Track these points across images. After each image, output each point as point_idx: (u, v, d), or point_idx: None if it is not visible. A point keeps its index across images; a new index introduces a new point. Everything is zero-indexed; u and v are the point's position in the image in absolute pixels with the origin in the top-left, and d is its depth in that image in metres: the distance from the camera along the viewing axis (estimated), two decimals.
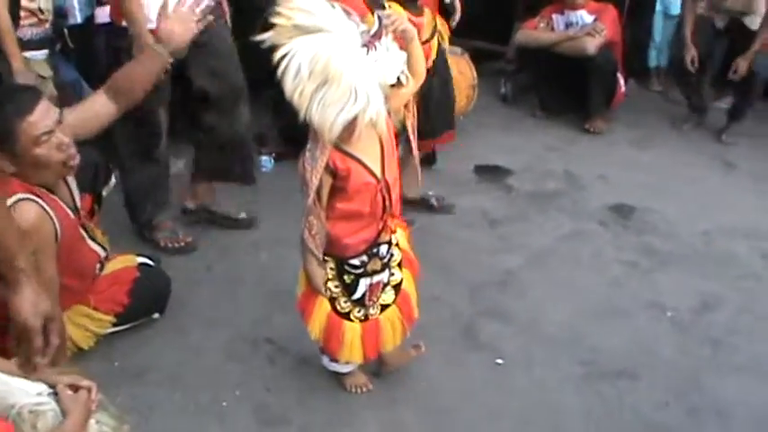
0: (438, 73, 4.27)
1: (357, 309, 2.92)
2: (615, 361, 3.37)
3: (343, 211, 2.72)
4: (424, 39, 3.91)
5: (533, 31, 5.98)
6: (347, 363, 3.04)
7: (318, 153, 2.60)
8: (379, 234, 2.82)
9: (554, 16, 5.98)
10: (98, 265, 3.24)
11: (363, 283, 2.88)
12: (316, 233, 2.70)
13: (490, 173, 5.09)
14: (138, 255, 3.48)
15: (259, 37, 2.43)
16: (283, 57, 2.41)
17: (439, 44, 4.31)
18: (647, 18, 6.66)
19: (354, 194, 2.70)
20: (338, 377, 3.13)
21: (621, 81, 5.98)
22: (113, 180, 3.55)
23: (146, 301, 3.38)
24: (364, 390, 3.12)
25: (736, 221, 4.61)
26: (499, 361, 3.37)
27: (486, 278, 3.94)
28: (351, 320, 2.91)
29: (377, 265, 2.87)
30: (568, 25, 5.90)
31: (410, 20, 3.53)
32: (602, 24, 5.73)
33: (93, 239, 3.18)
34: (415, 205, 4.41)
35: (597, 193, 4.88)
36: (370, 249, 2.83)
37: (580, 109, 5.91)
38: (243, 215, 4.29)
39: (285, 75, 2.41)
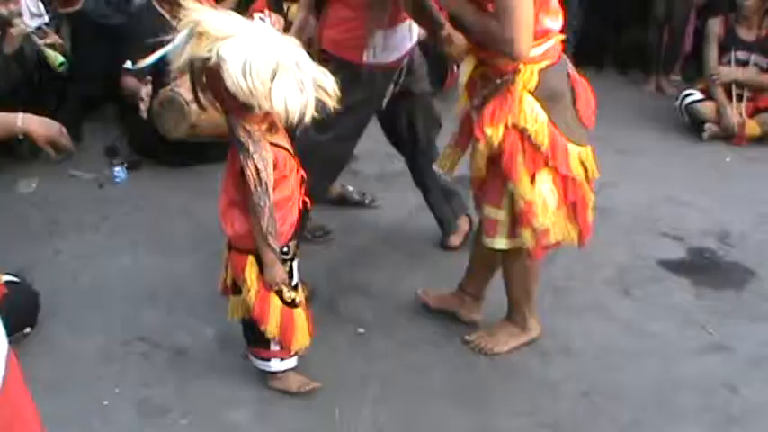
0: None
1: (296, 295, 3.00)
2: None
3: (277, 201, 2.77)
4: None
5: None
6: (295, 354, 3.09)
7: (263, 151, 2.67)
8: (300, 215, 2.92)
9: None
10: None
11: (295, 268, 2.98)
12: (273, 230, 2.76)
13: None
14: (3, 273, 3.52)
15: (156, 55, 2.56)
16: (205, 64, 2.51)
17: None
18: None
19: (283, 181, 2.79)
20: (276, 379, 3.16)
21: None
22: None
23: (16, 317, 3.40)
24: (308, 388, 3.15)
25: None
26: (360, 330, 3.58)
27: (341, 256, 4.15)
28: (297, 307, 2.99)
29: (296, 246, 2.98)
30: None
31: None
32: None
33: None
34: None
35: None
36: (296, 232, 2.92)
37: None
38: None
39: (233, 78, 2.46)
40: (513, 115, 2.95)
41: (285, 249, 2.90)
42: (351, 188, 4.73)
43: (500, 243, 3.20)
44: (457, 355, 3.41)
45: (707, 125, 5.87)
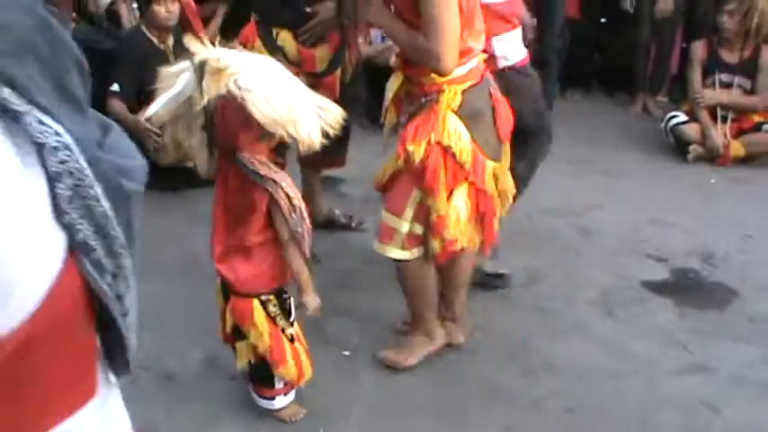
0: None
1: (294, 330, 3.02)
2: None
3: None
4: (318, 70, 4.11)
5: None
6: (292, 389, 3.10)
7: (288, 178, 2.70)
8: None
9: (371, 31, 6.30)
10: None
11: (292, 304, 3.00)
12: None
13: (322, 183, 5.32)
14: None
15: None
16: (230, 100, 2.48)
17: None
18: None
19: None
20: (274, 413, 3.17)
21: None
22: None
23: None
24: (299, 417, 3.16)
25: (554, 202, 5.04)
26: (346, 353, 3.62)
27: (328, 280, 4.19)
28: (295, 341, 3.01)
29: None
30: (385, 38, 6.23)
31: (300, 50, 3.79)
32: None
33: None
34: None
35: None
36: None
37: None
38: None
39: (260, 106, 2.45)
40: (437, 133, 3.04)
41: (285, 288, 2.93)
42: (338, 211, 4.78)
43: (393, 252, 3.29)
44: (441, 376, 3.45)
45: (692, 146, 5.94)
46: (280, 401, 3.12)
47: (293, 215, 2.68)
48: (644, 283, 4.22)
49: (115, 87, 4.88)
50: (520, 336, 3.70)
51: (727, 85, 6.10)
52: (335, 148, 4.41)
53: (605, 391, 3.38)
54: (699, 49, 6.21)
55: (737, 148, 5.95)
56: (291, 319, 3.01)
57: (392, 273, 4.20)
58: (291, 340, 2.98)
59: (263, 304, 2.89)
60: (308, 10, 4.03)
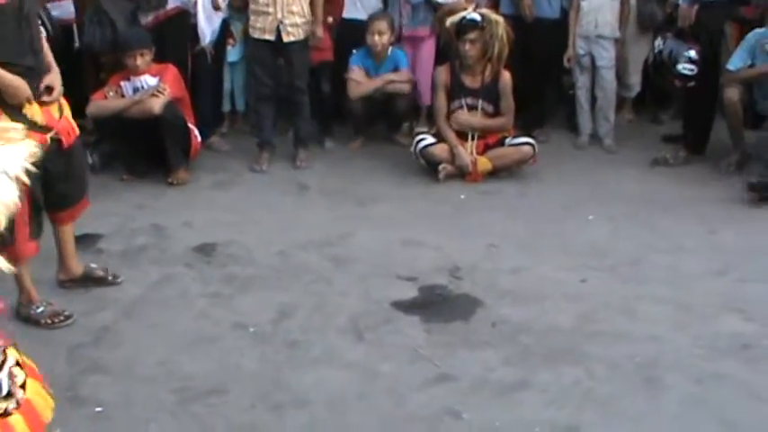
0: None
1: (9, 402, 2.89)
2: (206, 382, 3.70)
3: None
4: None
5: (103, 101, 6.23)
6: None
7: None
8: None
9: (122, 83, 6.26)
10: None
11: (5, 375, 2.87)
12: None
13: (79, 241, 5.19)
14: None
15: None
16: None
17: None
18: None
19: None
20: None
21: (196, 132, 6.39)
22: None
23: None
24: None
25: (309, 235, 5.15)
26: (98, 409, 3.55)
27: (82, 338, 4.11)
28: (10, 415, 2.88)
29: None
30: (136, 90, 6.20)
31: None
32: (164, 84, 6.10)
33: None
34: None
35: (182, 238, 5.19)
36: None
37: (163, 165, 6.23)
38: None
39: None
40: None
41: None
42: (94, 265, 4.70)
43: None
44: (189, 424, 3.45)
45: (441, 166, 6.21)
46: None
47: None
48: (393, 304, 4.37)
49: None
50: (269, 373, 3.75)
51: (472, 108, 6.41)
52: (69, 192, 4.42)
53: (354, 414, 3.48)
54: (442, 74, 6.49)
55: (484, 163, 6.27)
56: (5, 392, 2.90)
57: (148, 322, 4.22)
58: (3, 414, 2.88)
59: None
60: None
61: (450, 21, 6.29)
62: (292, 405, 3.55)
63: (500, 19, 6.26)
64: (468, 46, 6.25)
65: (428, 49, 7.19)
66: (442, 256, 4.93)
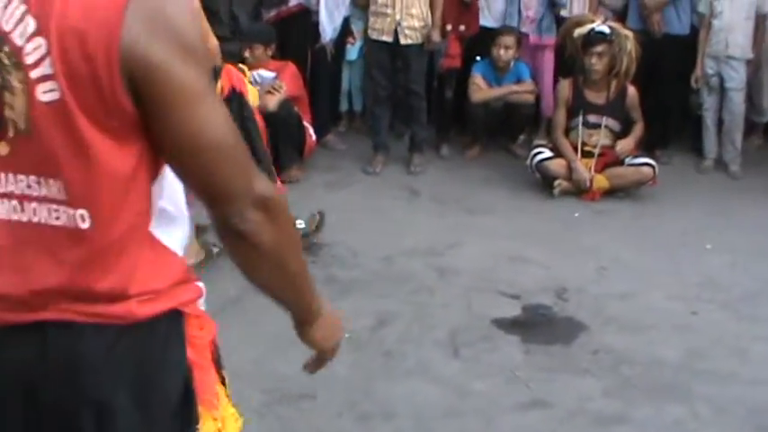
0: None
1: None
2: (296, 386, 3.67)
3: None
4: None
5: None
6: None
7: None
8: None
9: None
10: None
11: None
12: None
13: None
14: None
15: None
16: None
17: None
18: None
19: None
20: None
21: (311, 130, 6.41)
22: None
23: None
24: None
25: (416, 243, 5.09)
26: None
27: None
28: None
29: None
30: (252, 83, 6.26)
31: None
32: (281, 81, 6.13)
33: None
34: None
35: None
36: None
37: (276, 163, 6.26)
38: None
39: None
40: None
41: None
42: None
43: None
44: (274, 425, 3.43)
45: (557, 181, 6.06)
46: None
47: None
48: (494, 321, 4.27)
49: None
50: (360, 381, 3.70)
51: (595, 126, 6.23)
52: None
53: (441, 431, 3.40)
54: (565, 89, 6.33)
55: (602, 181, 6.09)
56: None
57: (249, 322, 4.21)
58: None
59: None
60: None
61: (578, 32, 6.12)
62: (379, 416, 3.49)
63: (629, 33, 6.07)
64: (594, 59, 6.08)
65: (548, 60, 7.07)
66: (549, 275, 4.80)
